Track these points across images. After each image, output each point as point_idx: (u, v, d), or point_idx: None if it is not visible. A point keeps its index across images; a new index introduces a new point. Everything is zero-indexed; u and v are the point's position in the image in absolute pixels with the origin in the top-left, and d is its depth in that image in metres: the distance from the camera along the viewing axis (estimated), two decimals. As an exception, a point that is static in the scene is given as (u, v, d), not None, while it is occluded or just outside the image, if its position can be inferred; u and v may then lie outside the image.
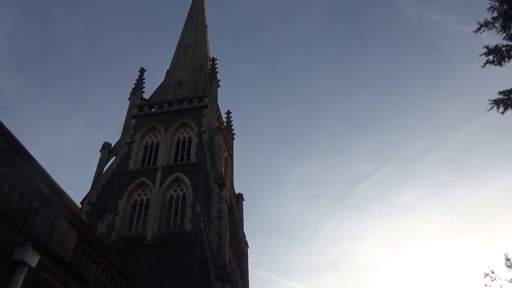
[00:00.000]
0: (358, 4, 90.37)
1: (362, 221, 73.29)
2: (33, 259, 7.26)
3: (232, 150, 32.03)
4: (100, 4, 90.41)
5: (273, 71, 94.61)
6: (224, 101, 45.51)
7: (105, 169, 24.64)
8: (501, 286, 15.73)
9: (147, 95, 30.92)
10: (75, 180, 71.79)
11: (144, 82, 30.94)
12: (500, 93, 11.50)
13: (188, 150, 25.27)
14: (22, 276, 7.04)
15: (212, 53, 36.97)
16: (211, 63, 31.40)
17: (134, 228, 21.77)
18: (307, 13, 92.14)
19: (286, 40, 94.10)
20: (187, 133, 26.52)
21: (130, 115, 27.99)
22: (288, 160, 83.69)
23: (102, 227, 21.23)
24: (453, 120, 74.92)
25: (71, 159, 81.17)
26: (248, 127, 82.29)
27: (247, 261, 26.01)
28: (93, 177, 24.09)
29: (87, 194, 22.72)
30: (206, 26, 40.89)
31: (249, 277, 25.16)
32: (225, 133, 29.97)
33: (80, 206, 21.86)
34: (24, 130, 69.83)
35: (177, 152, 25.49)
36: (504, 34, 11.68)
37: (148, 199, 22.85)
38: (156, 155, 25.32)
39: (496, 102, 11.49)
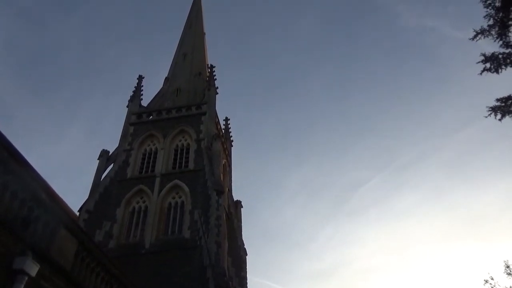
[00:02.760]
0: (354, 10, 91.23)
1: (360, 226, 73.34)
2: (33, 269, 7.25)
3: (230, 157, 32.03)
4: (98, 10, 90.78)
5: (270, 78, 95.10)
6: (222, 108, 45.65)
7: (103, 176, 24.57)
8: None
9: (145, 102, 31.05)
10: (73, 187, 71.61)
11: (142, 89, 31.04)
12: (497, 100, 11.51)
13: (187, 157, 25.26)
14: (22, 286, 7.03)
15: (210, 60, 37.06)
16: (209, 70, 31.52)
17: (133, 236, 21.67)
18: (303, 19, 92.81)
19: (283, 47, 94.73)
20: (186, 140, 26.52)
21: (128, 122, 28.00)
22: (286, 166, 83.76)
23: (100, 235, 21.11)
24: (451, 124, 75.33)
25: (68, 167, 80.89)
26: (246, 133, 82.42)
27: (246, 268, 25.88)
28: (91, 184, 24.05)
29: (85, 202, 22.66)
30: (204, 33, 41.09)
31: (247, 285, 25.08)
32: (223, 140, 29.97)
33: (78, 214, 21.76)
34: (21, 137, 69.60)
35: (175, 159, 25.48)
36: (501, 42, 11.74)
37: (146, 207, 22.77)
38: (154, 162, 25.29)
39: (494, 109, 11.49)
